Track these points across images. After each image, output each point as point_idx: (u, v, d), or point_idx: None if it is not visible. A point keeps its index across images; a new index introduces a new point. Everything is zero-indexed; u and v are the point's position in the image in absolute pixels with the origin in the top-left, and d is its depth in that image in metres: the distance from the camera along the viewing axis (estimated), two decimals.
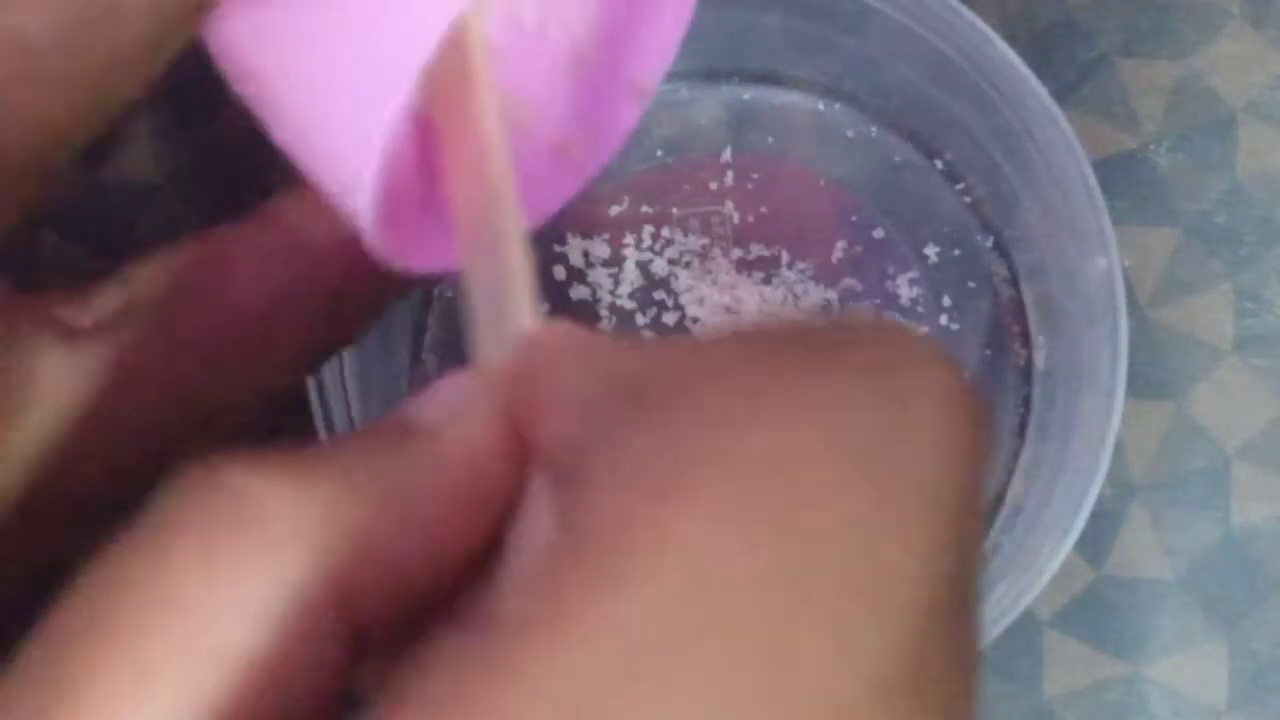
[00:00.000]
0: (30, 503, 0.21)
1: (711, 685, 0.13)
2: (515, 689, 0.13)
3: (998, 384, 0.37)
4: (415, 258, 0.23)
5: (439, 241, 0.23)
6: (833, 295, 0.37)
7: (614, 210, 0.38)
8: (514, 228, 0.20)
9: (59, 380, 0.21)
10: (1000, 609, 0.32)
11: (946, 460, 0.15)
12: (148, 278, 0.23)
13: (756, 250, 0.37)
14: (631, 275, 0.37)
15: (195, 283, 0.23)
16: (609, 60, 0.26)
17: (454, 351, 0.37)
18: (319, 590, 0.15)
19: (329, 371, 0.32)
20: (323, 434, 0.31)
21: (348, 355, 0.32)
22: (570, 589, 0.14)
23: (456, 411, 0.17)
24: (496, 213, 0.20)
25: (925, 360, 0.16)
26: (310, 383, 0.32)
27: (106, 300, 0.22)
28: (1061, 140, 0.33)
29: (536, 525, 0.16)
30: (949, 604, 0.15)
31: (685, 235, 0.38)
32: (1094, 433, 0.32)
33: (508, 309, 0.19)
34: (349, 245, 0.22)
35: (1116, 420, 0.32)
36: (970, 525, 0.16)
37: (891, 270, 0.37)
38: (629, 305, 0.37)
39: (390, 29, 0.20)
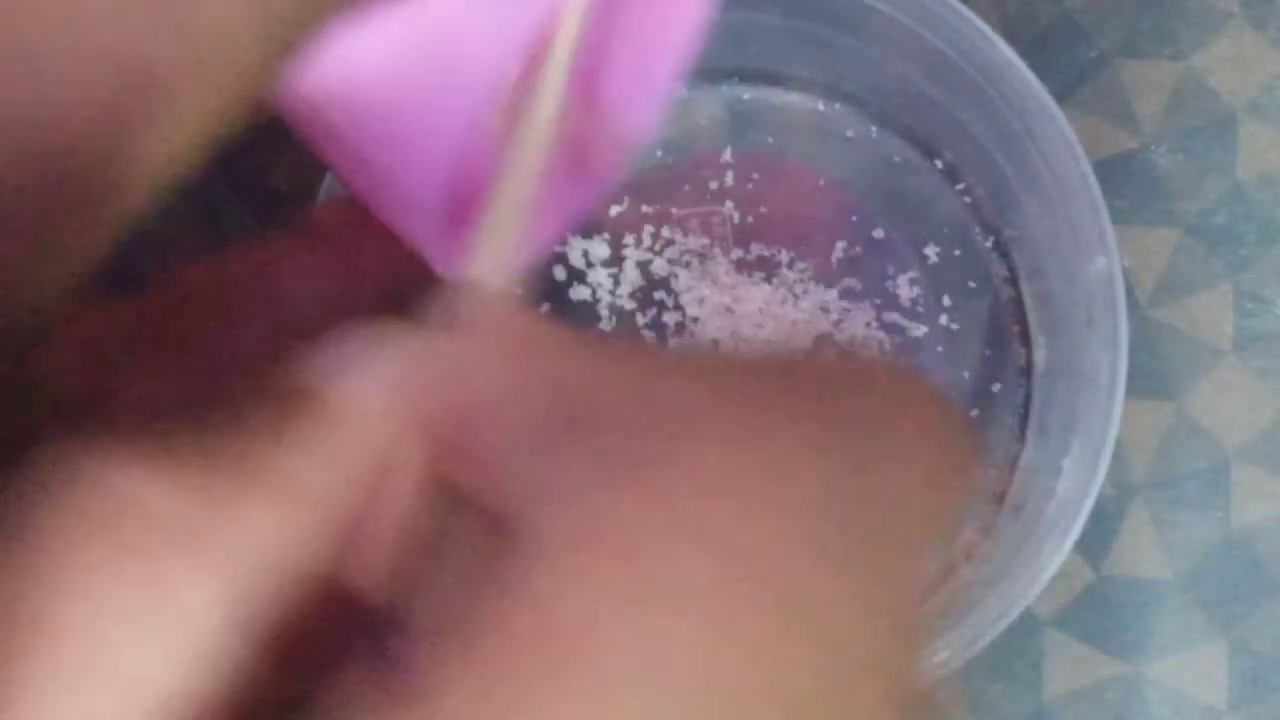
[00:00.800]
0: None
1: None
2: None
3: (998, 384, 0.37)
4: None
5: None
6: (832, 295, 0.37)
7: (614, 210, 0.38)
8: (518, 218, 0.20)
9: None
10: (1000, 609, 0.32)
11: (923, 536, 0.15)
12: (196, 291, 0.23)
13: (756, 250, 0.37)
14: (631, 275, 0.37)
15: (243, 290, 0.23)
16: (627, 62, 0.26)
17: None
18: (239, 610, 0.14)
19: None
20: None
21: None
22: (505, 671, 0.13)
23: (368, 392, 0.16)
24: (510, 207, 0.20)
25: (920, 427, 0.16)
26: None
27: (156, 306, 0.22)
28: (1061, 140, 0.33)
29: (467, 561, 0.16)
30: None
31: (685, 235, 0.38)
32: (1094, 433, 0.32)
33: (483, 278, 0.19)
34: (393, 254, 0.22)
35: (1116, 420, 0.32)
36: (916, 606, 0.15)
37: (891, 270, 0.37)
38: (629, 305, 0.37)
39: (465, 66, 0.20)
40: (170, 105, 0.18)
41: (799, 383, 0.16)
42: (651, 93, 0.26)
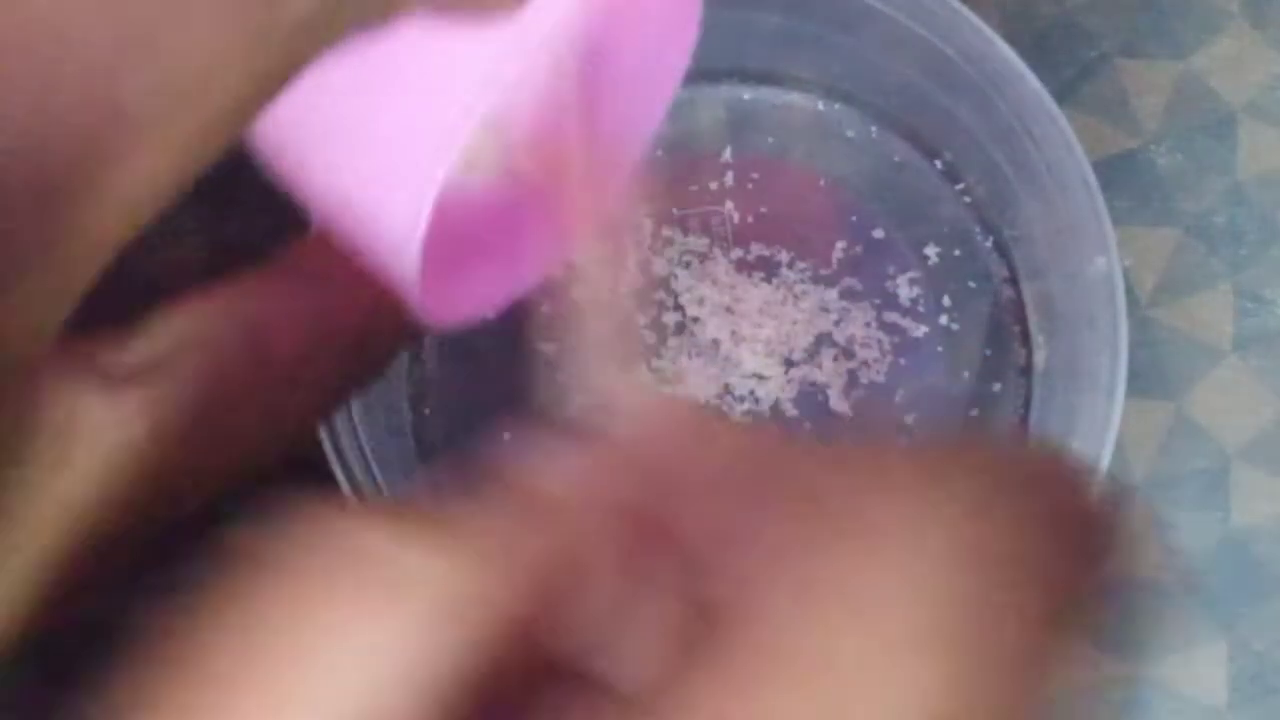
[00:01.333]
0: (83, 550, 0.21)
1: None
2: None
3: (998, 384, 0.37)
4: (447, 313, 0.23)
5: (468, 297, 0.24)
6: (832, 295, 0.37)
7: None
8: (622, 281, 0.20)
9: (104, 428, 0.21)
10: None
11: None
12: (181, 327, 0.23)
13: (756, 250, 0.37)
14: (631, 275, 0.37)
15: (227, 330, 0.23)
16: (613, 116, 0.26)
17: (452, 353, 0.37)
18: (462, 662, 0.15)
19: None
20: (322, 433, 0.31)
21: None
22: None
23: (580, 488, 0.17)
24: (613, 268, 0.21)
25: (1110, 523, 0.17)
26: None
27: (142, 348, 0.22)
28: (1061, 140, 0.33)
29: (669, 638, 0.16)
30: None
31: (685, 235, 0.37)
32: (1094, 433, 0.32)
33: (608, 365, 0.19)
34: (372, 289, 0.22)
35: (1116, 420, 0.32)
36: None
37: (891, 270, 0.37)
38: (629, 305, 0.37)
39: (434, 106, 0.20)
40: (142, 141, 0.17)
41: (972, 474, 0.16)
42: (639, 136, 0.26)
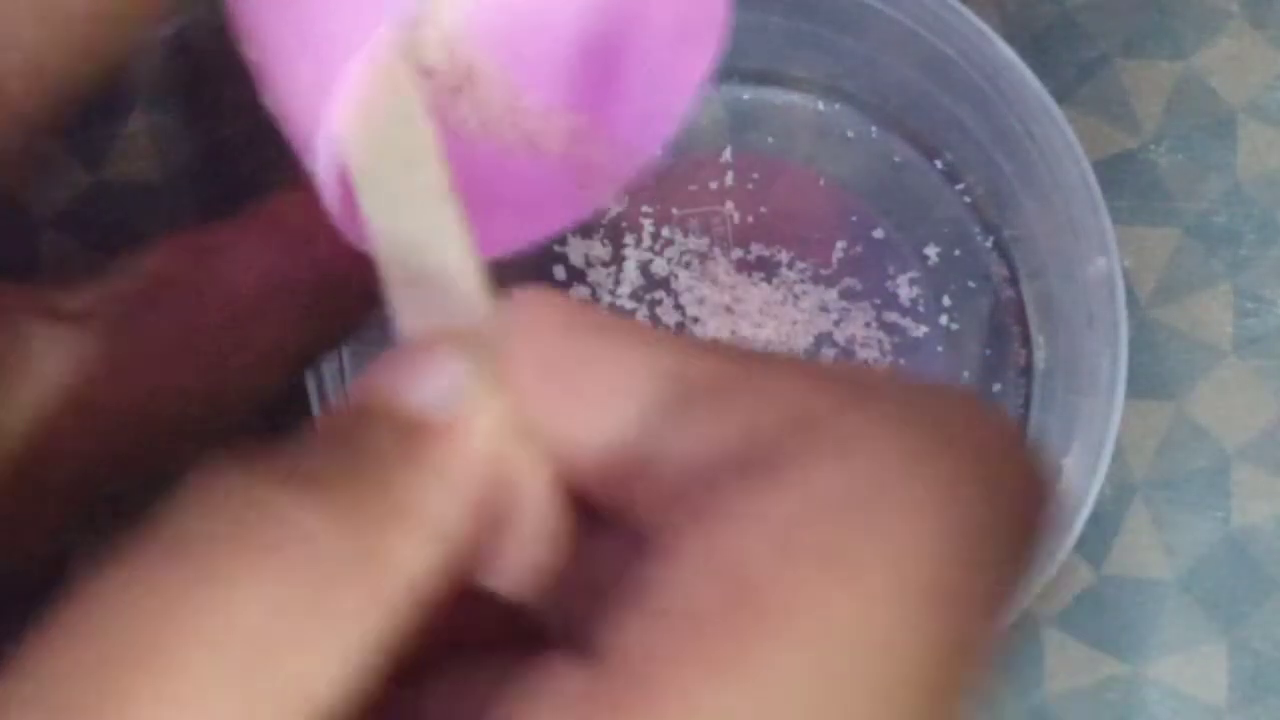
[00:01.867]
0: (23, 483, 0.21)
1: None
2: None
3: (998, 384, 0.37)
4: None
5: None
6: (832, 295, 0.37)
7: (614, 210, 0.38)
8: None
9: (46, 359, 0.21)
10: None
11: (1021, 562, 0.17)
12: (133, 267, 0.23)
13: (756, 250, 0.37)
14: (631, 275, 0.37)
15: (182, 272, 0.23)
16: (639, 83, 0.26)
17: None
18: (372, 629, 0.15)
19: (329, 369, 0.32)
20: None
21: (347, 352, 0.32)
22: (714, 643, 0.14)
23: (467, 407, 0.17)
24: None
25: (1018, 455, 0.17)
26: (310, 380, 0.31)
27: (91, 290, 0.22)
28: (1061, 140, 0.33)
29: (611, 571, 0.16)
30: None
31: (685, 235, 0.37)
32: (1094, 433, 0.32)
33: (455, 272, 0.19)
34: (332, 237, 0.22)
35: (1116, 420, 0.32)
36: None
37: (891, 270, 0.37)
38: (629, 305, 0.37)
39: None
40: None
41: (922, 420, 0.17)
42: (659, 125, 0.26)
